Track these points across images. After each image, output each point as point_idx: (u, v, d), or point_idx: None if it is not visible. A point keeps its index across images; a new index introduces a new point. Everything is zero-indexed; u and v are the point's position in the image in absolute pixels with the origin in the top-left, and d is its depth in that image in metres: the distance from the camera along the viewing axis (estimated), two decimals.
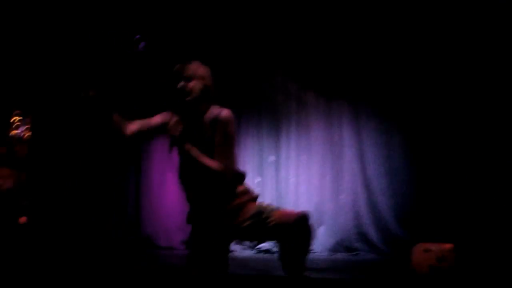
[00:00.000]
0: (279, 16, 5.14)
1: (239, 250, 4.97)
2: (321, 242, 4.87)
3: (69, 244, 4.47)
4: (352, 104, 5.17)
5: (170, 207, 5.29)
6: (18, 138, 4.48)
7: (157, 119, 2.30)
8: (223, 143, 2.16)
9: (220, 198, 2.19)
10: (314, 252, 4.75)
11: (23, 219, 4.32)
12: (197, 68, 2.23)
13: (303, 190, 5.14)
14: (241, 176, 2.26)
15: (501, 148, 4.39)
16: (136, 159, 5.48)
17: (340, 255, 4.76)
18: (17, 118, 5.06)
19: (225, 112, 2.18)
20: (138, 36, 5.20)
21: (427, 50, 4.84)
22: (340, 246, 4.87)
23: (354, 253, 4.79)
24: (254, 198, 2.26)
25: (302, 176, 5.17)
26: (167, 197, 5.32)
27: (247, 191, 2.25)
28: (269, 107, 5.40)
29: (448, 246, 2.97)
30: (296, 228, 2.07)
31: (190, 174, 2.21)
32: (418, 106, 4.89)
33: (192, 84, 2.18)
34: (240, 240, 2.29)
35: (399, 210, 4.84)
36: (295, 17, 5.11)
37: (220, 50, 5.34)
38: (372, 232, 4.82)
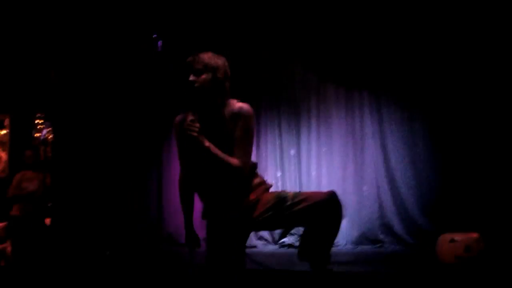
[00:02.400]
0: (298, 7, 5.09)
1: (261, 245, 4.97)
2: (344, 235, 4.81)
3: (92, 243, 4.54)
4: (373, 93, 5.08)
5: None
6: (42, 141, 4.56)
7: (184, 153, 2.24)
8: (243, 138, 2.11)
9: (238, 192, 2.15)
10: (337, 245, 4.71)
11: (48, 221, 4.40)
12: (209, 60, 2.11)
13: (325, 182, 5.08)
14: (255, 168, 2.23)
15: None
16: (158, 158, 5.53)
17: (364, 248, 4.69)
18: (40, 120, 5.16)
19: (246, 107, 2.13)
20: (155, 35, 5.23)
21: (448, 36, 4.72)
22: (364, 238, 4.80)
23: (379, 245, 4.72)
24: (268, 188, 2.23)
25: (323, 169, 5.12)
26: None
27: (262, 183, 2.22)
28: (289, 100, 5.36)
29: (474, 235, 2.89)
30: (330, 206, 2.06)
31: (207, 170, 2.15)
32: (441, 93, 4.77)
33: (202, 77, 2.09)
34: (260, 230, 2.27)
35: (424, 200, 4.75)
36: (314, 8, 5.06)
37: (239, 43, 5.32)
38: (396, 223, 4.74)
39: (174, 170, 5.42)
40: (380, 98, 5.06)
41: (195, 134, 1.99)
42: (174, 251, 4.76)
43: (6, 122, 5.58)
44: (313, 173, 5.13)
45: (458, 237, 2.90)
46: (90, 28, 5.06)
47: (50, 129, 4.70)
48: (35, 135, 5.10)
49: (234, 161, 2.07)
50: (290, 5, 5.08)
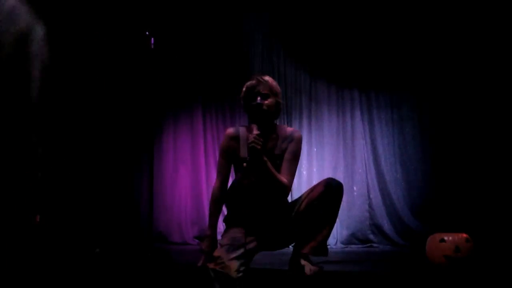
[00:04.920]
0: (289, 5, 5.11)
1: None
2: (335, 235, 4.85)
3: (81, 241, 4.50)
4: (364, 94, 5.13)
5: (182, 202, 5.31)
6: None
7: (229, 164, 2.47)
8: (292, 160, 2.36)
9: (275, 208, 2.38)
10: (328, 245, 4.73)
11: (37, 218, 4.35)
12: (272, 85, 2.38)
13: (315, 182, 5.09)
14: None
15: None
16: (149, 155, 5.49)
17: (354, 247, 4.74)
18: None
19: (298, 132, 2.42)
20: (147, 32, 5.20)
21: (439, 37, 4.77)
22: (354, 238, 4.85)
23: (368, 245, 4.77)
24: None
25: (314, 168, 5.14)
26: (179, 192, 5.33)
27: (288, 201, 2.47)
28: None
29: (464, 235, 2.92)
30: (329, 190, 2.33)
31: (254, 183, 2.34)
32: (431, 95, 4.83)
33: (269, 100, 2.34)
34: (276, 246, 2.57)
35: (413, 201, 4.80)
36: (306, 5, 5.08)
37: (228, 44, 5.32)
38: (386, 224, 4.79)
39: (166, 166, 5.40)
40: (371, 99, 5.10)
41: (259, 147, 2.16)
42: (165, 249, 4.74)
43: None
44: (304, 173, 5.14)
45: (447, 237, 2.91)
46: (83, 24, 5.02)
47: None
48: None
49: (284, 179, 2.29)
50: (281, 2, 5.09)
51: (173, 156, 5.42)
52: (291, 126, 5.26)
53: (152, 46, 5.18)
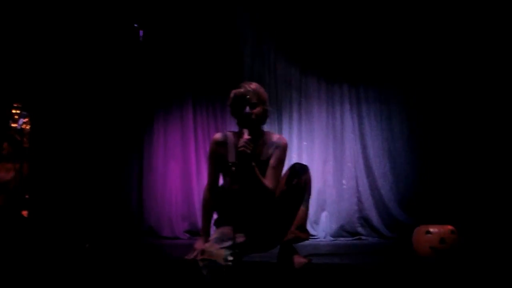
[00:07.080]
0: (279, 2, 5.11)
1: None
2: (323, 228, 4.89)
3: (70, 237, 4.49)
4: (353, 88, 5.16)
5: (173, 197, 5.30)
6: (18, 131, 4.49)
7: (217, 169, 2.53)
8: (277, 166, 2.41)
9: (262, 211, 2.40)
10: (317, 238, 4.77)
11: (25, 213, 4.33)
12: (260, 93, 2.43)
13: None
14: None
15: (505, 130, 4.37)
16: (139, 150, 5.48)
17: (343, 240, 4.78)
18: (17, 110, 5.05)
19: (284, 139, 2.49)
20: (136, 25, 5.17)
21: (427, 32, 4.81)
22: (343, 231, 4.89)
23: (357, 237, 4.81)
24: None
25: (304, 162, 5.14)
26: (170, 187, 5.32)
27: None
28: (270, 94, 5.35)
29: (449, 227, 2.97)
30: (293, 173, 2.39)
31: (242, 188, 2.39)
32: (420, 89, 4.87)
33: (258, 109, 2.40)
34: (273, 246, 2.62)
35: (401, 194, 4.86)
36: (295, 2, 5.08)
37: (219, 37, 5.31)
38: (374, 217, 4.84)
39: (156, 161, 5.39)
40: (360, 93, 5.14)
41: (249, 152, 2.21)
42: (155, 244, 4.74)
43: None
44: None
45: (433, 229, 2.97)
46: (69, 17, 4.97)
47: (26, 119, 4.62)
48: (12, 125, 5.00)
49: (269, 185, 2.35)
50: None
51: (163, 151, 5.39)
52: (281, 120, 5.28)
53: (141, 39, 5.16)
